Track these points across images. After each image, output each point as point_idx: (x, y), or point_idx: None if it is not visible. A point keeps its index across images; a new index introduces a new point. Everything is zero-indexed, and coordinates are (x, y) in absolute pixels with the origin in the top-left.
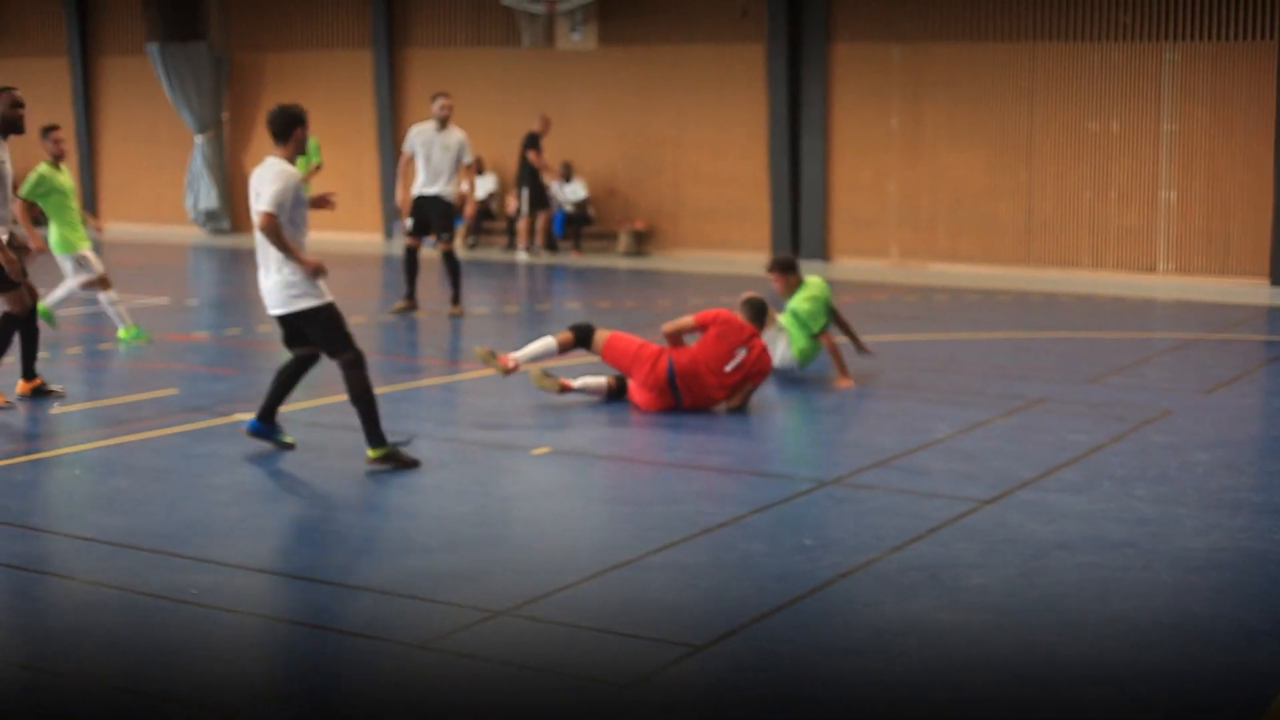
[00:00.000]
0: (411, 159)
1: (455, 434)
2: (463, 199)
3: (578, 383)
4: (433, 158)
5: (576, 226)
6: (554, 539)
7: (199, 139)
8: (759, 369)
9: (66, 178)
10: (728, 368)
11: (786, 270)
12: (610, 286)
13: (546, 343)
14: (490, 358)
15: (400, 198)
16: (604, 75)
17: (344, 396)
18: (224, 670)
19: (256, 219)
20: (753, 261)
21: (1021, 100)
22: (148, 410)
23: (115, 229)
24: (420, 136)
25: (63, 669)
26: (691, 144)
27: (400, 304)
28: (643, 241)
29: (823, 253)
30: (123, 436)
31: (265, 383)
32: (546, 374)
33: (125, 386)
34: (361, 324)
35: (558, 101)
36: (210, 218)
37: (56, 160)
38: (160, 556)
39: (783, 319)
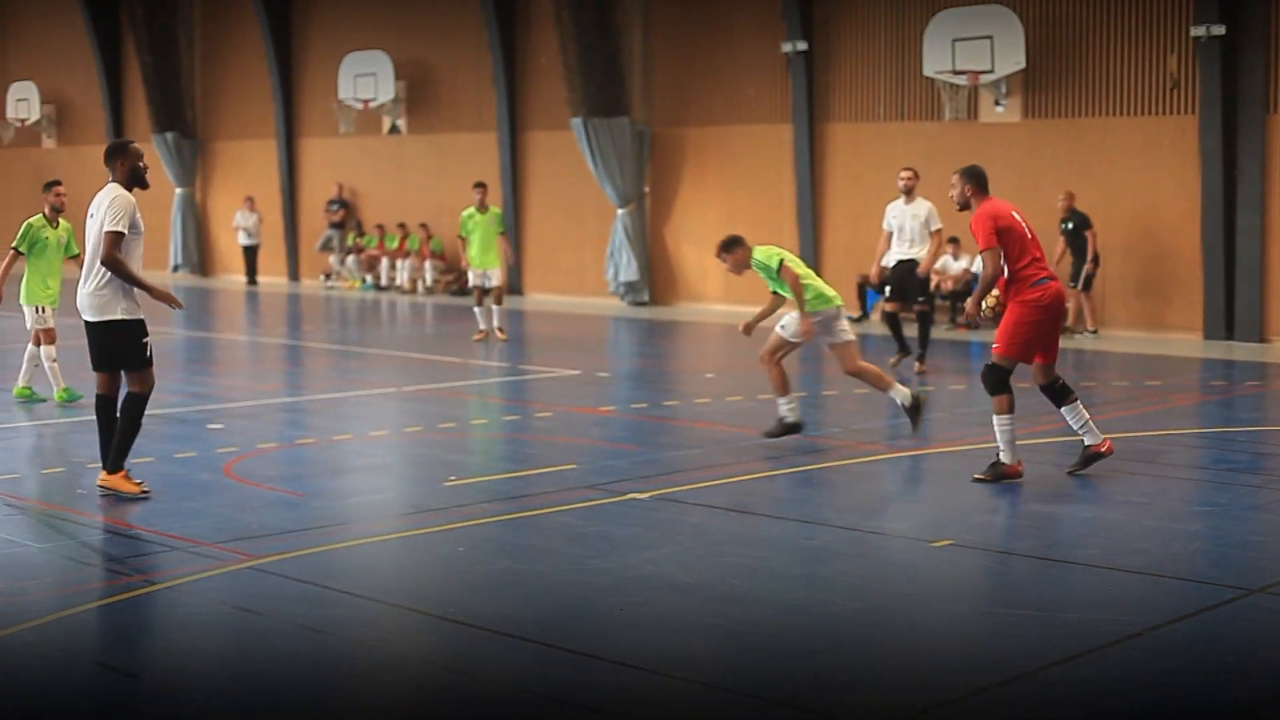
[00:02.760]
0: (889, 235)
1: (854, 521)
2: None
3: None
4: (905, 228)
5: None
6: (949, 644)
7: (621, 212)
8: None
9: (56, 234)
10: (1034, 242)
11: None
12: (1070, 364)
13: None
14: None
15: (873, 272)
16: (1028, 148)
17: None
18: None
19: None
20: (1185, 343)
21: None
22: (543, 485)
23: (537, 300)
24: (892, 211)
25: None
26: (1119, 219)
27: (895, 357)
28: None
29: (1259, 334)
30: (514, 513)
31: (667, 460)
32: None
33: (525, 460)
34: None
35: None
36: (630, 289)
37: (55, 215)
38: (535, 647)
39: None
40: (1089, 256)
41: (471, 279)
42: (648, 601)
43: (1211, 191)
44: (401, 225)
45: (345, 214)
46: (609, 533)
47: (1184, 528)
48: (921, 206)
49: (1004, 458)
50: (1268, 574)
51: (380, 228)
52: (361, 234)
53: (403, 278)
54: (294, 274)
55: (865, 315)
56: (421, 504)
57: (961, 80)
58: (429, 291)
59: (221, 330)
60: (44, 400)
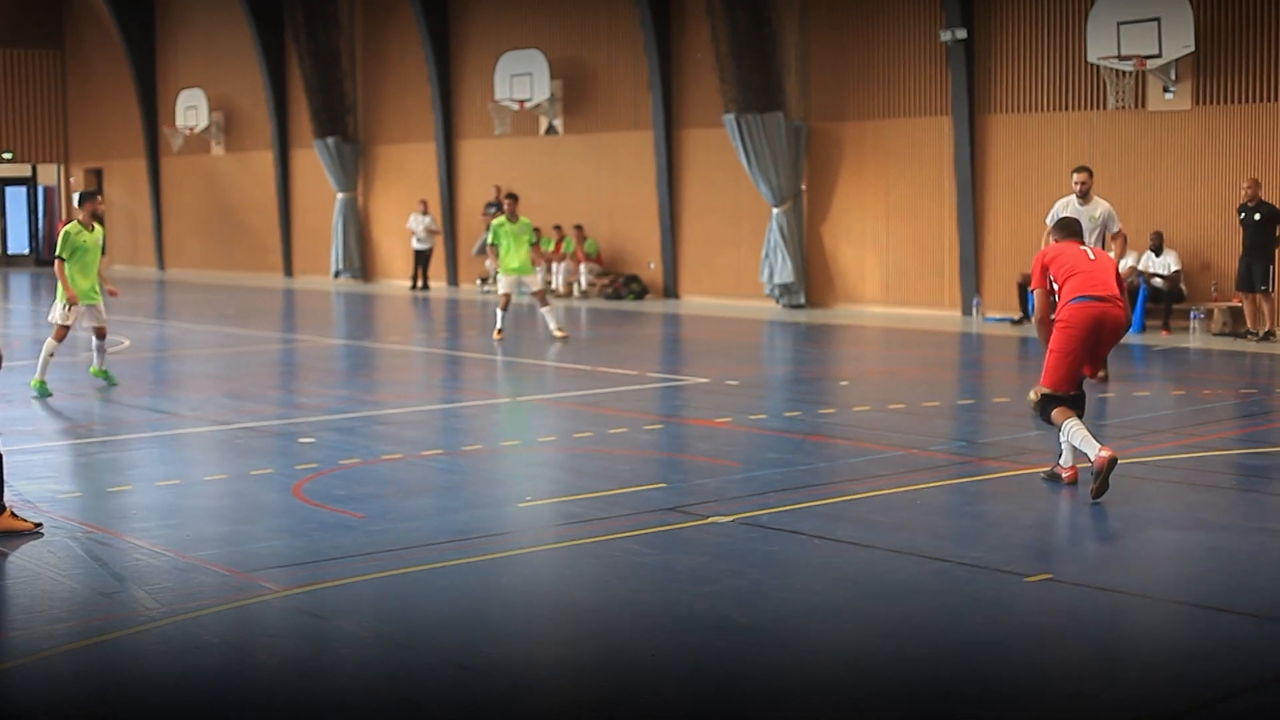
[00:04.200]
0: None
1: (948, 551)
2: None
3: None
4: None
5: (1167, 303)
6: (1022, 702)
7: (776, 211)
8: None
9: (93, 237)
10: (1088, 264)
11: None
12: (1200, 369)
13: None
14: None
15: None
16: (1199, 137)
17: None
18: None
19: None
20: None
21: None
22: (623, 507)
23: (692, 303)
24: (1066, 210)
25: None
26: None
27: None
28: (1239, 320)
29: None
30: (580, 539)
31: (766, 478)
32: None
33: (613, 479)
34: (899, 411)
35: (1148, 166)
36: (786, 291)
37: (91, 220)
38: (541, 698)
39: None
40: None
41: (502, 285)
42: (688, 645)
43: None
44: (557, 228)
45: None
46: (672, 563)
47: None
48: (1099, 208)
49: (1062, 461)
50: None
51: (536, 230)
52: None
53: (558, 281)
54: (453, 279)
55: (1026, 317)
56: (488, 527)
57: (1128, 66)
58: (584, 295)
59: (359, 337)
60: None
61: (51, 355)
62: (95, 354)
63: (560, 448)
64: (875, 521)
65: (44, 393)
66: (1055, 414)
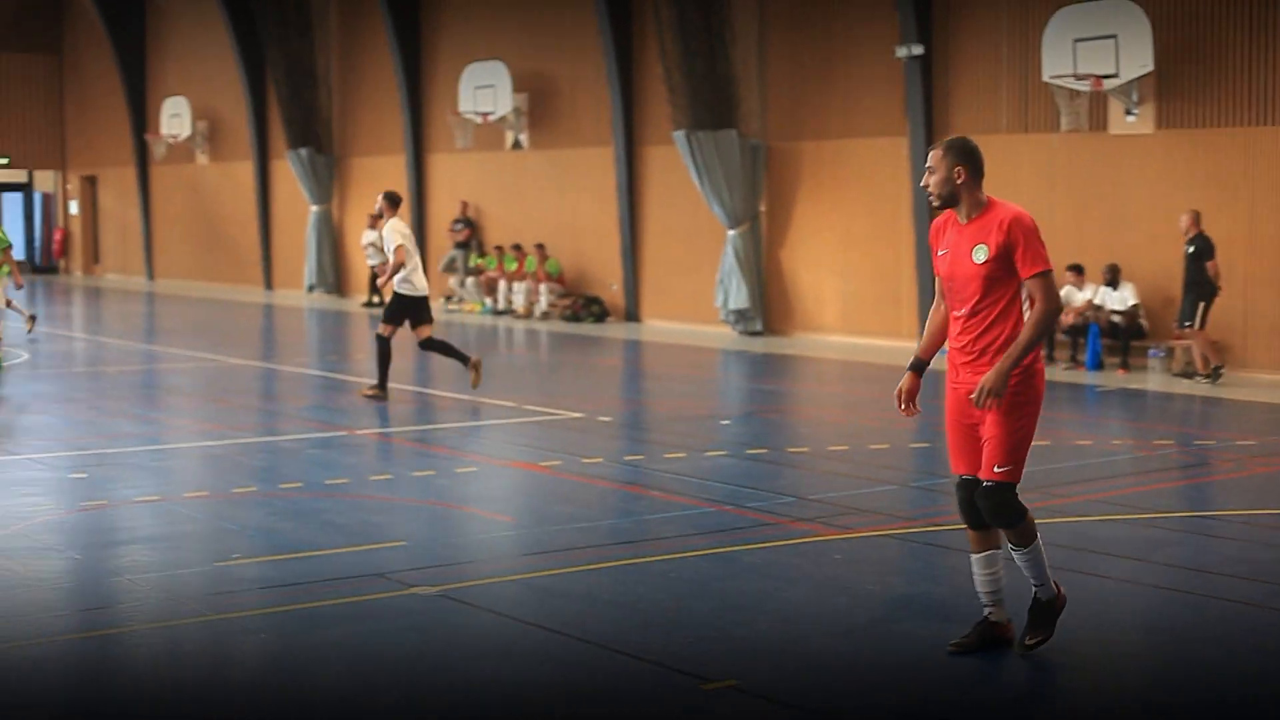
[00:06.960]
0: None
1: (640, 643)
2: None
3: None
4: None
5: (1124, 340)
6: None
7: (731, 233)
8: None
9: None
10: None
11: None
12: (1160, 414)
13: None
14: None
15: None
16: (1163, 163)
17: None
18: None
19: None
20: None
21: None
22: (334, 570)
23: (652, 328)
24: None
25: None
26: (1268, 244)
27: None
28: (1204, 360)
29: None
30: (244, 610)
31: (529, 538)
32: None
33: (353, 535)
34: (754, 457)
35: (1108, 193)
36: (741, 318)
37: None
38: None
39: None
40: (1209, 289)
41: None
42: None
43: None
44: (517, 246)
45: (470, 233)
46: (309, 645)
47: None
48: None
49: (1041, 595)
50: None
51: (499, 249)
52: (481, 255)
53: (518, 301)
54: None
55: None
56: (150, 594)
57: (1084, 86)
58: (544, 317)
59: (269, 358)
60: None
61: None
62: None
63: (339, 493)
64: (597, 598)
65: None
66: (1029, 523)
